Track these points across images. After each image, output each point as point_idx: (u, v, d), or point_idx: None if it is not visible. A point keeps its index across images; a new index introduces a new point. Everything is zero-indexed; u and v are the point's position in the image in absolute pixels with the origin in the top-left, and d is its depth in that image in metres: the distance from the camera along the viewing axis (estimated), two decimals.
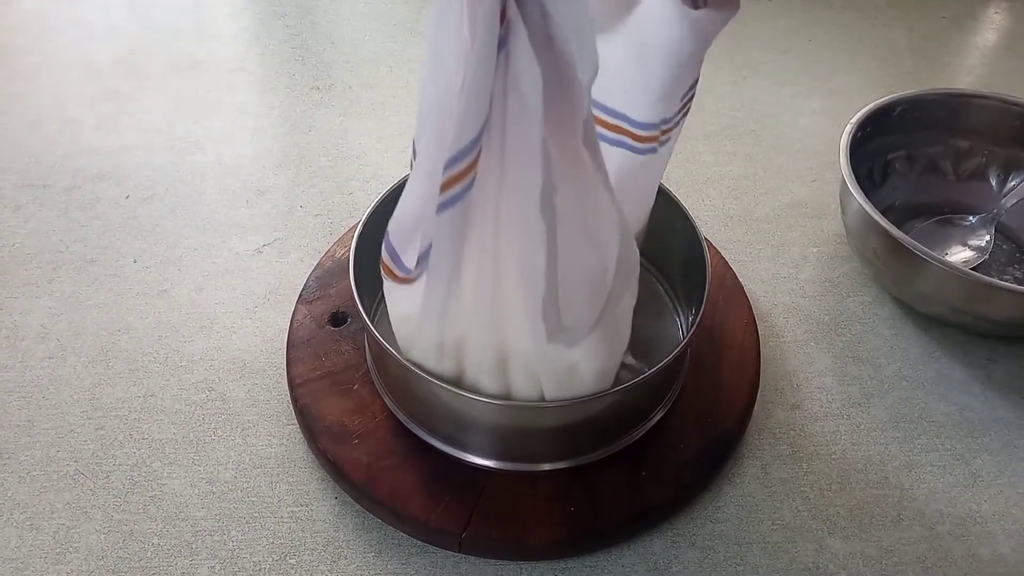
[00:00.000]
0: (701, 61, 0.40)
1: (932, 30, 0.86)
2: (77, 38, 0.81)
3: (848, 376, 0.55)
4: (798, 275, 0.61)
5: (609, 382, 0.42)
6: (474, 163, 0.34)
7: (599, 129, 0.41)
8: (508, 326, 0.39)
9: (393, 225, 0.40)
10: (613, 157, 0.42)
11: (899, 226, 0.53)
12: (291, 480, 0.48)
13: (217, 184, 0.66)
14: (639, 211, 0.48)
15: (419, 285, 0.40)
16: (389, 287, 0.43)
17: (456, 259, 0.37)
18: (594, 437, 0.46)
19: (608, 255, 0.38)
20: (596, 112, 0.42)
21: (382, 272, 0.42)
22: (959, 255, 0.60)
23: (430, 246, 0.37)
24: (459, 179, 0.34)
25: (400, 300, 0.42)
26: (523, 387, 0.42)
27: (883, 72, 0.81)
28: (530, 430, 0.45)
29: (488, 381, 0.42)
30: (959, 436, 0.52)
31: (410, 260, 0.40)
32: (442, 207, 0.35)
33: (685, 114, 0.44)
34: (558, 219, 0.34)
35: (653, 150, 0.43)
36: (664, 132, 0.43)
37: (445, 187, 0.34)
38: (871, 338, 0.57)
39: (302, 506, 0.47)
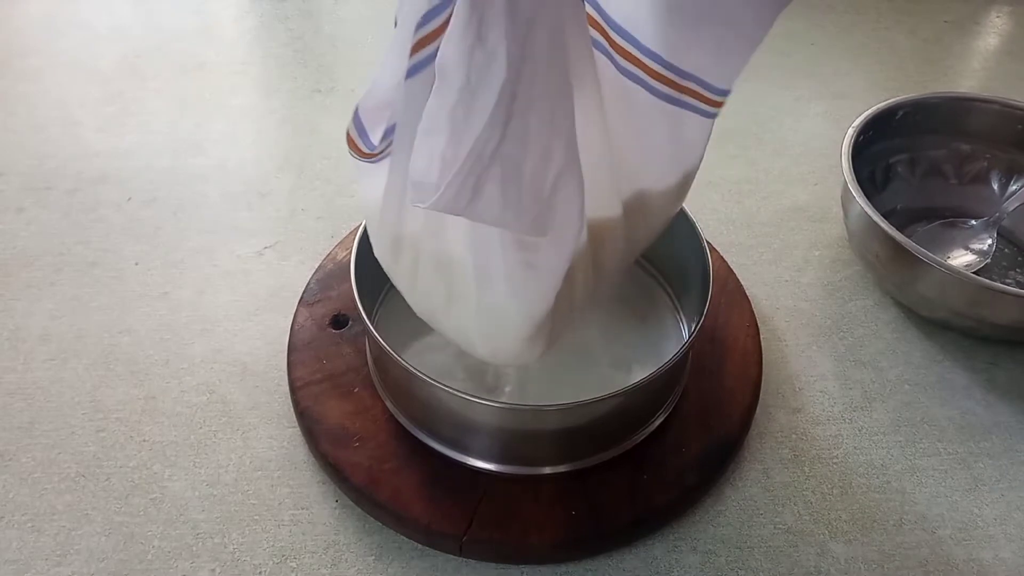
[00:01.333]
0: (755, 24, 0.34)
1: (934, 34, 0.86)
2: (81, 40, 0.81)
3: (850, 380, 0.54)
4: (800, 279, 0.61)
5: (534, 328, 0.38)
6: (447, 21, 0.29)
7: (604, 44, 0.36)
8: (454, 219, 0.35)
9: (364, 100, 0.36)
10: (627, 90, 0.36)
11: (901, 230, 0.53)
12: (292, 483, 0.48)
13: (219, 187, 0.66)
14: (650, 172, 0.40)
15: (383, 165, 0.37)
16: (357, 167, 0.39)
17: None
18: (595, 440, 0.46)
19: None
20: (600, 21, 0.36)
21: (348, 148, 0.39)
22: (961, 259, 0.60)
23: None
24: (432, 39, 0.31)
25: (367, 183, 0.39)
26: (459, 313, 0.39)
27: (885, 76, 0.81)
28: (531, 433, 0.45)
29: (438, 299, 0.39)
30: (961, 440, 0.51)
31: (376, 137, 0.36)
32: (412, 71, 0.31)
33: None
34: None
35: (673, 100, 0.36)
36: (681, 86, 0.36)
37: (416, 48, 0.31)
38: (873, 342, 0.57)
39: (303, 509, 0.47)
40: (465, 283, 0.37)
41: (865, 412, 0.53)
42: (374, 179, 0.38)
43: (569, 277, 0.37)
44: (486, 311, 0.38)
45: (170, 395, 0.52)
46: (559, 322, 0.39)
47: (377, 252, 0.42)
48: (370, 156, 0.38)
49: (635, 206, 0.40)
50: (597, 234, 0.39)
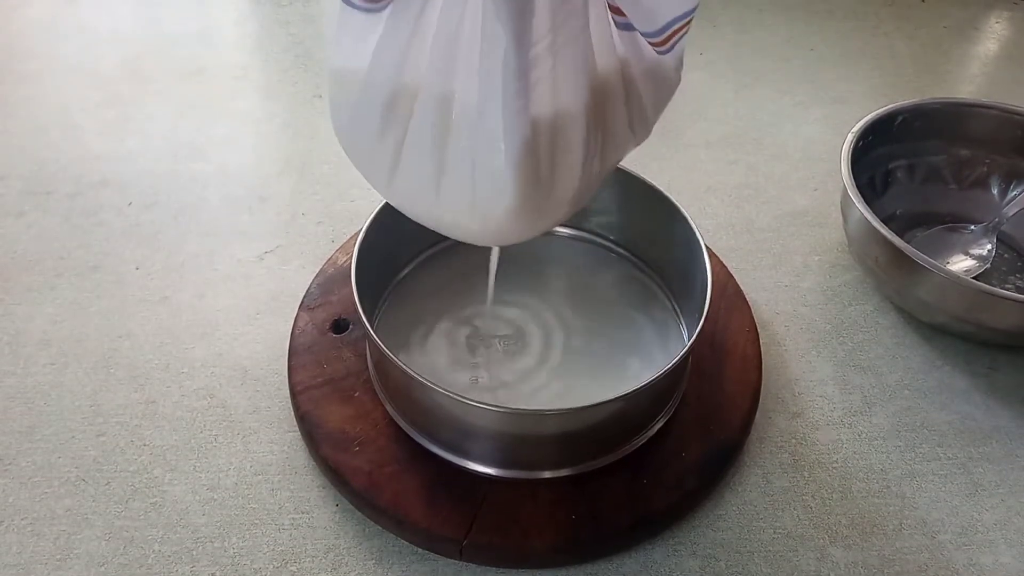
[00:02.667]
0: None
1: (933, 39, 0.87)
2: (82, 43, 0.81)
3: (850, 385, 0.54)
4: (800, 284, 0.61)
5: (527, 170, 0.37)
6: None
7: None
8: (461, 73, 0.35)
9: None
10: None
11: (901, 235, 0.53)
12: (292, 487, 0.48)
13: (219, 191, 0.66)
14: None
15: (378, 19, 0.35)
16: (342, 24, 0.37)
17: None
18: (595, 444, 0.46)
19: None
20: None
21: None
22: (961, 264, 0.60)
23: None
24: None
25: (354, 42, 0.37)
26: (451, 183, 0.38)
27: (884, 81, 0.81)
28: (531, 437, 0.45)
29: (426, 172, 0.38)
30: (960, 445, 0.51)
31: None
32: None
33: (667, 37, 0.37)
34: None
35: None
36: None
37: None
38: (873, 347, 0.57)
39: (303, 513, 0.47)
40: (465, 131, 0.36)
41: (865, 417, 0.53)
42: (365, 36, 0.36)
43: (571, 137, 0.37)
44: (485, 165, 0.36)
45: (170, 399, 0.52)
46: (561, 189, 0.38)
47: (353, 130, 0.40)
48: (370, 5, 0.36)
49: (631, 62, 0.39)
50: (601, 91, 0.38)
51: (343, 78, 0.39)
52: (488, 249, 0.48)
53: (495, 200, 0.37)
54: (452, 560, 0.45)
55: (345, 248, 0.58)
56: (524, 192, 0.37)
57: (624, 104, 0.40)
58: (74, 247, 0.61)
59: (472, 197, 0.38)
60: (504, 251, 0.49)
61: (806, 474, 0.50)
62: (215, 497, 0.47)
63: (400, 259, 0.56)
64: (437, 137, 0.37)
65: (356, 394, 0.49)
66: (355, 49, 0.37)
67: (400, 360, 0.43)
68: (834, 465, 0.50)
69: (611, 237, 0.59)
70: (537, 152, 0.36)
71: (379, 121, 0.38)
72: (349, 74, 0.38)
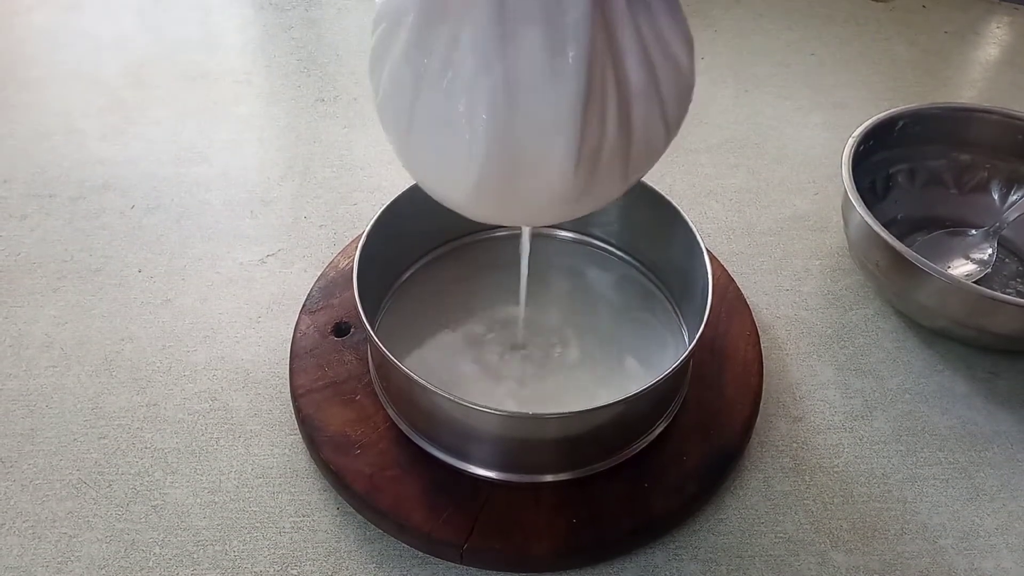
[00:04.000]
0: None
1: (934, 44, 0.87)
2: (85, 49, 0.81)
3: (851, 389, 0.55)
4: (800, 288, 0.61)
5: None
6: None
7: None
8: None
9: None
10: None
11: (901, 239, 0.53)
12: (293, 490, 0.48)
13: (222, 195, 0.66)
14: None
15: None
16: None
17: None
18: (597, 448, 0.46)
19: None
20: None
21: None
22: (961, 268, 0.60)
23: None
24: None
25: None
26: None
27: (885, 86, 0.81)
28: (533, 441, 0.45)
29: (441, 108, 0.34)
30: (962, 449, 0.51)
31: None
32: None
33: None
34: None
35: None
36: None
37: None
38: (874, 351, 0.57)
39: (304, 516, 0.47)
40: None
41: (866, 421, 0.53)
42: None
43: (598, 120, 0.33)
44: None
45: (172, 402, 0.52)
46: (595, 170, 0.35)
47: (375, 85, 0.37)
48: None
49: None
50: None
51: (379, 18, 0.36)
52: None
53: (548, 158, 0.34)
54: (453, 564, 0.45)
55: (347, 251, 0.58)
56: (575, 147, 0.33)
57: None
58: (76, 250, 0.61)
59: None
60: (507, 255, 0.49)
61: (807, 478, 0.50)
62: (216, 500, 0.47)
63: (402, 262, 0.57)
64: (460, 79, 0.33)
65: (357, 397, 0.49)
66: None
67: (401, 363, 0.43)
68: (835, 469, 0.50)
69: (612, 240, 0.59)
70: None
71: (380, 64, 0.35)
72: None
